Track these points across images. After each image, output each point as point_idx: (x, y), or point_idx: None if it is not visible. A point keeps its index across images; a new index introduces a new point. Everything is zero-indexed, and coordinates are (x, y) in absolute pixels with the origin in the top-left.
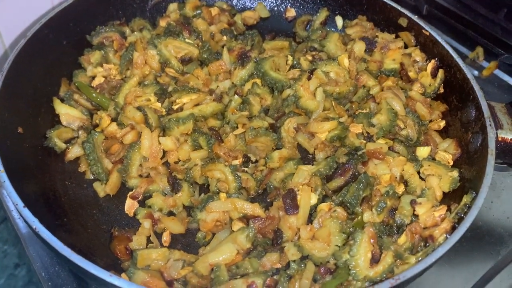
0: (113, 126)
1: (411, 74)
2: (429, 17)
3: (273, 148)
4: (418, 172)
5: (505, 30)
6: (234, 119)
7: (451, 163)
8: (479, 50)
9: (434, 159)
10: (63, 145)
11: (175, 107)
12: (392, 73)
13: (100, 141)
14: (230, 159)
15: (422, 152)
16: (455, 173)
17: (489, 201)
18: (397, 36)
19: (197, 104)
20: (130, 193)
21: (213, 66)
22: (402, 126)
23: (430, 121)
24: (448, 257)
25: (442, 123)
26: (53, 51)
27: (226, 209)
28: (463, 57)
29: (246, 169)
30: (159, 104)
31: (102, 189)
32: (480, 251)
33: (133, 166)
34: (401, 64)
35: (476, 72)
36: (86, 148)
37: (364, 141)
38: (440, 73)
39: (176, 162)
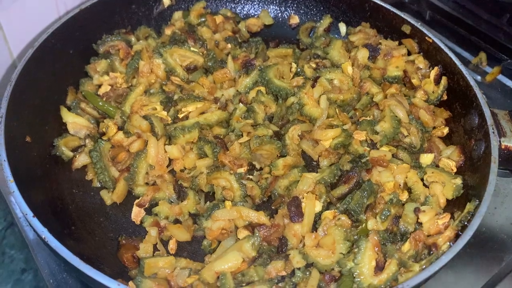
0: (120, 135)
1: (415, 81)
2: (432, 22)
3: (277, 156)
4: (422, 179)
5: (508, 35)
6: (239, 127)
7: (455, 170)
8: (482, 56)
9: (437, 166)
10: (70, 154)
11: (180, 116)
12: (396, 80)
13: (107, 149)
14: (235, 167)
15: (426, 159)
16: (459, 180)
17: (493, 207)
18: (400, 43)
19: (203, 113)
20: (137, 201)
21: (218, 74)
22: (405, 133)
23: (434, 128)
24: (452, 263)
25: (446, 130)
26: (60, 60)
27: (231, 217)
28: (466, 62)
29: (251, 177)
30: (165, 113)
31: (109, 197)
32: (483, 257)
33: (140, 174)
34: (404, 71)
35: (479, 78)
36: (93, 156)
37: (368, 149)
38: (443, 80)
39: (182, 170)
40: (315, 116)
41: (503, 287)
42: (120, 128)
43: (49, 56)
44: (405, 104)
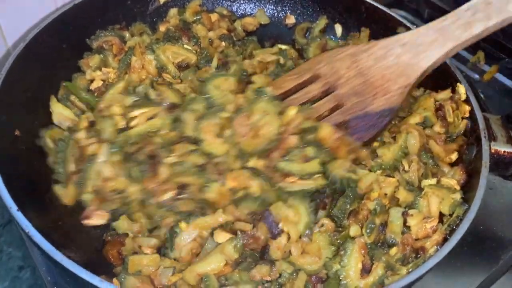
0: (82, 133)
1: (450, 119)
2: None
3: None
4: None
5: (507, 34)
6: None
7: (458, 188)
8: (480, 54)
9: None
10: (52, 145)
11: (132, 123)
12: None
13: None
14: (159, 193)
15: (427, 182)
16: (458, 195)
17: (491, 205)
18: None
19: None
20: (84, 213)
21: (202, 72)
22: (406, 167)
23: None
24: (449, 261)
25: (454, 156)
26: (53, 54)
27: (194, 236)
28: (464, 61)
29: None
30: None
31: (63, 194)
32: (481, 256)
33: (89, 180)
34: (441, 105)
35: (477, 76)
36: (59, 145)
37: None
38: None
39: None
40: (215, 154)
41: (500, 285)
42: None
43: (41, 50)
44: (422, 137)
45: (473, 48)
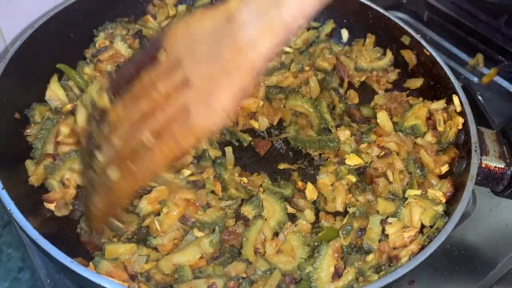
0: (69, 120)
1: (440, 128)
2: (430, 23)
3: None
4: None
5: (506, 36)
6: None
7: (443, 200)
8: (479, 57)
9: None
10: (38, 121)
11: None
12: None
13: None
14: None
15: (412, 192)
16: (440, 207)
17: (488, 209)
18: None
19: None
20: (46, 195)
21: None
22: (390, 178)
23: None
24: (447, 264)
25: (444, 168)
26: (59, 43)
27: (175, 217)
28: (463, 63)
29: None
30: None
31: (32, 171)
32: (478, 259)
33: (60, 171)
34: (430, 113)
35: (476, 79)
36: (45, 123)
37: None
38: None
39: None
40: None
41: None
42: None
43: (48, 38)
44: (408, 145)
45: (472, 50)
